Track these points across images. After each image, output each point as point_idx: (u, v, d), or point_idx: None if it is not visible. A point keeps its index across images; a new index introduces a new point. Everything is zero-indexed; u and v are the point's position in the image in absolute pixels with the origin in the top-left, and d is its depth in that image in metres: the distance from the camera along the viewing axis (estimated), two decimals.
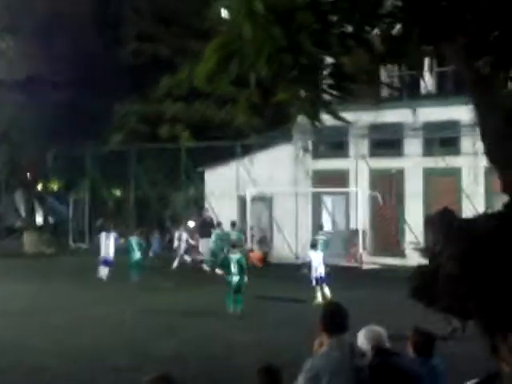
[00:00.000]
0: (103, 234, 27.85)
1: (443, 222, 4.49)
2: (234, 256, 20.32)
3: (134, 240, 27.69)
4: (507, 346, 4.30)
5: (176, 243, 31.48)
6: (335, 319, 6.30)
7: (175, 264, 30.38)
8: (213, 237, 30.86)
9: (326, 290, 21.21)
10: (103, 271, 26.69)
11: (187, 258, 31.41)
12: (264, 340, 15.75)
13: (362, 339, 6.44)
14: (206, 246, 31.39)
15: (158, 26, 40.57)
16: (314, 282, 21.48)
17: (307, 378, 6.06)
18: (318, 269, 21.49)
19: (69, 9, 39.12)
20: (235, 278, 19.70)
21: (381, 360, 6.24)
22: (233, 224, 31.22)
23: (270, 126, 37.08)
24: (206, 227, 32.37)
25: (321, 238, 26.35)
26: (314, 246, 22.85)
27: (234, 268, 19.83)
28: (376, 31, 4.19)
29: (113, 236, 27.73)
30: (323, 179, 33.81)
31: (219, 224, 31.72)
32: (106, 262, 26.76)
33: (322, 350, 6.22)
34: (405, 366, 6.42)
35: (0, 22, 39.06)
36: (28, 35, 39.44)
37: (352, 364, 6.16)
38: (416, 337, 7.27)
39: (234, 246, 22.11)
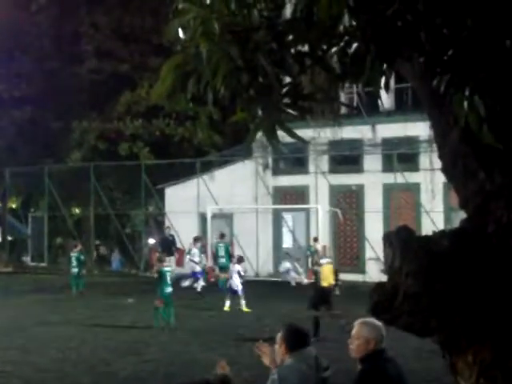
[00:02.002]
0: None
1: (400, 240, 4.51)
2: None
3: (73, 255, 28.75)
4: (465, 363, 4.32)
5: (186, 260, 30.99)
6: (297, 337, 6.31)
7: (187, 283, 29.13)
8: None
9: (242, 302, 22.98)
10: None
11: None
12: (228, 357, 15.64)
13: (365, 329, 6.18)
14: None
15: (117, 43, 40.44)
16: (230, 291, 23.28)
17: None
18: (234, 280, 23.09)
19: (27, 24, 38.88)
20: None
21: (372, 364, 6.09)
22: (222, 236, 31.11)
23: (230, 143, 37.19)
24: (167, 245, 32.23)
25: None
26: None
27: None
28: (333, 50, 4.20)
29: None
30: (283, 196, 33.91)
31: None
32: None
33: (287, 362, 6.22)
34: (397, 373, 6.24)
35: None
36: None
37: (317, 377, 6.16)
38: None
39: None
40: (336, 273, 20.10)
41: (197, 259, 29.28)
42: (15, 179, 42.77)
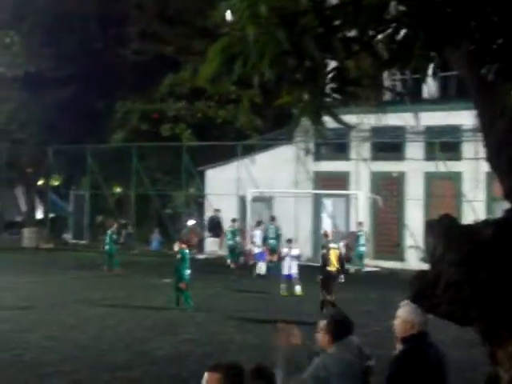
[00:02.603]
0: None
1: (443, 229, 4.48)
2: None
3: (108, 233, 29.60)
4: (506, 353, 4.30)
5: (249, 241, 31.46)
6: (342, 326, 6.32)
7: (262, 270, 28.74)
8: (228, 234, 31.45)
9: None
10: None
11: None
12: (262, 340, 15.71)
13: (406, 311, 6.15)
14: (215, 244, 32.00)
15: (162, 25, 40.54)
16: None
17: (315, 376, 6.06)
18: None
19: (73, 6, 39.11)
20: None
21: (412, 346, 6.08)
22: (272, 218, 31.99)
23: (272, 127, 37.14)
24: (214, 227, 32.54)
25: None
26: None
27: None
28: (380, 36, 4.17)
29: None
30: (324, 181, 33.81)
31: (234, 220, 32.14)
32: None
33: (331, 350, 6.22)
34: (437, 358, 6.21)
35: (4, 18, 39.04)
36: (32, 31, 39.45)
37: (361, 366, 6.17)
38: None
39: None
40: (341, 260, 20.13)
41: (258, 242, 29.98)
42: (58, 157, 43.21)
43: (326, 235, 22.67)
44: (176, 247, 21.41)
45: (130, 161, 39.18)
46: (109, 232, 29.57)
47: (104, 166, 41.22)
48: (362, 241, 30.01)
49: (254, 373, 5.68)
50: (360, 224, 29.99)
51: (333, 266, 19.10)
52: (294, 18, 3.91)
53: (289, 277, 22.65)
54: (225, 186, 34.99)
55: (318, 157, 34.01)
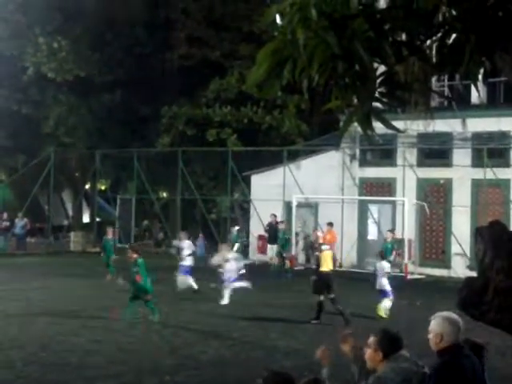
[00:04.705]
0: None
1: (493, 235, 4.43)
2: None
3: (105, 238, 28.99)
4: None
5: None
6: (393, 342, 6.30)
7: None
8: (280, 235, 31.52)
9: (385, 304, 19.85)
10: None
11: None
12: (306, 346, 15.68)
13: (436, 324, 6.11)
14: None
15: (208, 30, 40.75)
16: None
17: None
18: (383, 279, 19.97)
19: (121, 11, 39.50)
20: None
21: (446, 359, 6.01)
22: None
23: (317, 133, 37.12)
24: (272, 233, 32.56)
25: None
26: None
27: None
28: (430, 40, 4.14)
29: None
30: (369, 187, 33.67)
31: (282, 222, 32.38)
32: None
33: (387, 366, 6.18)
34: (473, 369, 6.14)
35: (52, 23, 39.57)
36: (80, 36, 39.92)
37: (418, 374, 6.13)
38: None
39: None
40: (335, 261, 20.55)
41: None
42: (105, 162, 43.64)
43: (317, 238, 23.33)
44: (131, 256, 19.02)
45: (175, 165, 39.41)
46: (105, 238, 28.92)
47: (150, 171, 41.55)
48: (390, 251, 28.38)
49: None
50: (391, 232, 28.46)
51: (325, 267, 19.25)
52: (344, 22, 3.89)
53: (384, 294, 19.90)
54: (270, 192, 35.01)
55: (364, 163, 33.87)
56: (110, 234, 29.36)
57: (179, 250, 25.27)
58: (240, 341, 16.48)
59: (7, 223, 41.01)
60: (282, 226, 31.92)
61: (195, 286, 23.78)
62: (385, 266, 20.20)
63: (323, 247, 20.10)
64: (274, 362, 13.95)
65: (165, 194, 47.79)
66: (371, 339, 6.35)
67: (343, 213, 33.60)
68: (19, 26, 39.24)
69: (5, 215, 41.45)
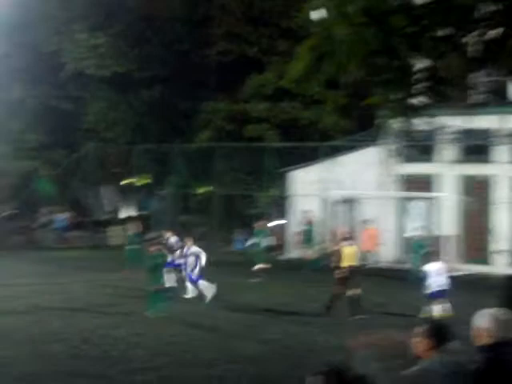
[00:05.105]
0: None
1: None
2: None
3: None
4: None
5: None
6: (443, 332, 6.24)
7: None
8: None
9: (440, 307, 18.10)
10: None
11: None
12: (344, 341, 15.63)
13: (478, 320, 6.08)
14: None
15: (246, 26, 40.76)
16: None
17: (417, 376, 6.02)
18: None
19: (160, 8, 39.68)
20: None
21: (488, 356, 5.93)
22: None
23: (356, 128, 36.93)
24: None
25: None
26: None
27: None
28: (470, 35, 4.12)
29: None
30: (409, 183, 33.41)
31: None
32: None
33: (436, 357, 6.12)
34: None
35: (92, 20, 39.85)
36: (119, 33, 40.17)
37: (465, 368, 6.07)
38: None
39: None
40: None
41: None
42: (144, 157, 43.83)
43: (334, 235, 23.58)
44: (153, 250, 19.42)
45: (214, 161, 39.47)
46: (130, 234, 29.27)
47: (189, 166, 41.65)
48: (417, 247, 27.57)
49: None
50: (416, 229, 27.87)
51: (346, 262, 19.29)
52: (383, 18, 3.89)
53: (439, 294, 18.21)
54: (308, 188, 34.88)
55: (403, 159, 33.62)
56: (133, 229, 29.72)
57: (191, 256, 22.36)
58: (280, 336, 16.49)
59: (50, 218, 41.37)
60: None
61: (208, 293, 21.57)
62: (435, 266, 18.44)
63: (344, 243, 20.04)
64: (312, 359, 13.94)
65: (203, 189, 47.90)
66: (419, 329, 6.28)
67: (382, 209, 33.39)
68: (58, 23, 39.56)
69: (46, 210, 41.79)
